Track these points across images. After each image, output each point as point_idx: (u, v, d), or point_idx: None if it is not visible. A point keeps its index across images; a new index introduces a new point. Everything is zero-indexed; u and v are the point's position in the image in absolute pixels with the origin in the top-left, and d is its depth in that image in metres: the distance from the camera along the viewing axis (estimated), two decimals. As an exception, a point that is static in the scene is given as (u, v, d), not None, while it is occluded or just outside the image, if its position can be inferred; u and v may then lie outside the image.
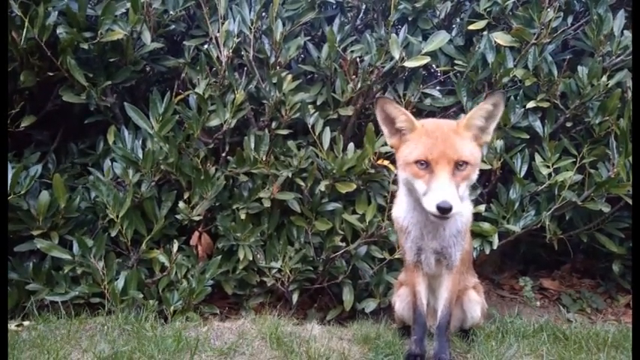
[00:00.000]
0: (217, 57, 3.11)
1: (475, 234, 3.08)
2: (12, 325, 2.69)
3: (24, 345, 2.44)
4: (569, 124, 3.31)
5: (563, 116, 3.25)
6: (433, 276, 2.41)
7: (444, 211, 1.89)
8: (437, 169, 1.97)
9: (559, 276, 3.88)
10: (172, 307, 2.93)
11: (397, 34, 3.15)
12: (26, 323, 2.75)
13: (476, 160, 2.06)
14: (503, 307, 3.48)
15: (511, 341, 2.62)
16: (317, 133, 3.16)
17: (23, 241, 2.94)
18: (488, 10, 3.29)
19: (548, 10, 3.13)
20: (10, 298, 2.88)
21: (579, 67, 3.16)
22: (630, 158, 2.94)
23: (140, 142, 3.09)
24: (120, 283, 2.91)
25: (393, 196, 3.07)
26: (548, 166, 3.15)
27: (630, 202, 3.05)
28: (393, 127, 2.14)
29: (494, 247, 3.11)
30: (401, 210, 2.31)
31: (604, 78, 3.10)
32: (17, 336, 2.54)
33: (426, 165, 2.00)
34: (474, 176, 2.09)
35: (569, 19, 3.31)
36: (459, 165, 1.99)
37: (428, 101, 3.26)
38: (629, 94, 3.18)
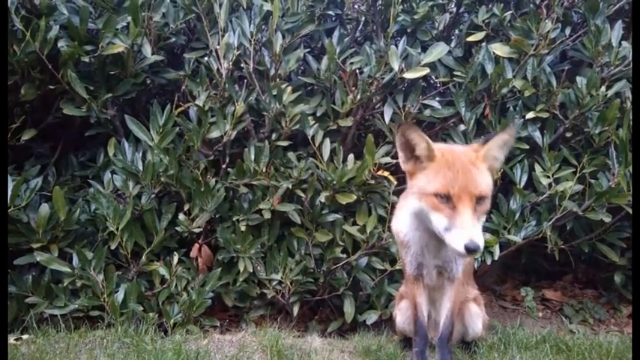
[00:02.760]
0: (217, 69, 3.13)
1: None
2: (11, 339, 2.67)
3: (23, 359, 2.42)
4: (568, 135, 3.32)
5: (562, 126, 3.26)
6: (434, 288, 2.38)
7: (472, 251, 1.82)
8: (460, 205, 1.88)
9: (561, 286, 3.87)
10: (172, 320, 2.92)
11: (396, 45, 3.17)
12: (25, 337, 2.73)
13: (490, 192, 2.00)
14: (505, 317, 3.46)
15: (513, 353, 2.60)
16: (317, 145, 3.16)
17: (23, 254, 2.93)
18: (486, 21, 3.32)
19: (547, 21, 3.15)
20: (9, 311, 2.86)
21: (578, 78, 3.18)
22: (630, 168, 2.94)
23: (140, 154, 3.09)
24: (120, 296, 2.89)
25: (393, 207, 3.08)
26: (548, 176, 3.15)
27: (631, 212, 3.04)
28: (412, 153, 2.05)
29: (496, 258, 3.10)
30: (402, 225, 2.26)
31: (603, 88, 3.11)
32: (16, 350, 2.52)
33: (446, 199, 1.90)
34: (488, 207, 2.04)
35: (568, 30, 3.33)
36: (479, 200, 1.92)
37: (427, 112, 3.27)
38: (628, 104, 3.19)
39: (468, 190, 1.89)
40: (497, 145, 2.07)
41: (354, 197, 3.10)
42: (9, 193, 2.77)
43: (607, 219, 3.11)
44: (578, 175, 3.14)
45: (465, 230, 1.83)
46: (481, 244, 1.82)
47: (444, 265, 2.27)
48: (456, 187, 1.90)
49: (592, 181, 3.12)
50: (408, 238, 2.24)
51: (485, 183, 1.97)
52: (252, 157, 3.12)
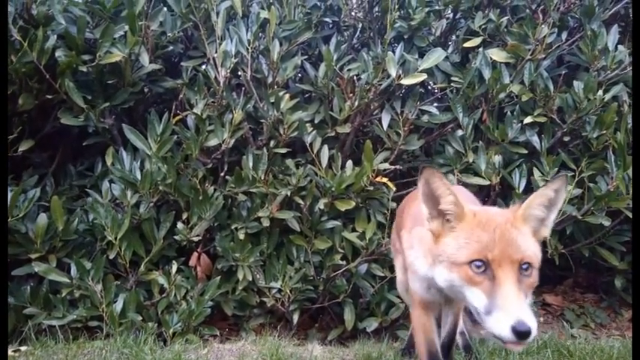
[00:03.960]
0: (215, 77, 3.13)
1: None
2: (9, 351, 2.65)
3: (21, 371, 2.40)
4: (566, 139, 3.32)
5: (560, 131, 3.26)
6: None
7: (523, 336, 1.43)
8: (500, 274, 1.54)
9: (562, 291, 3.85)
10: (172, 330, 2.90)
11: (393, 52, 3.18)
12: (23, 348, 2.71)
13: (538, 262, 1.66)
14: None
15: (515, 358, 2.59)
16: (315, 152, 3.16)
17: (21, 265, 2.91)
18: (483, 27, 3.33)
19: (543, 26, 3.16)
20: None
21: (575, 82, 3.18)
22: (629, 171, 2.95)
23: (138, 163, 3.08)
24: (118, 306, 2.87)
25: (392, 213, 3.08)
26: (546, 181, 3.15)
27: (630, 215, 3.04)
28: (436, 207, 1.73)
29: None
30: (419, 262, 1.92)
31: (600, 92, 3.12)
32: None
33: (484, 268, 1.57)
34: (536, 281, 1.66)
35: (564, 35, 3.34)
36: (523, 268, 1.58)
37: (425, 118, 3.28)
38: (626, 107, 3.20)
39: (508, 253, 1.56)
40: (539, 202, 1.70)
41: (353, 204, 3.09)
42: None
43: (606, 223, 3.10)
44: (576, 179, 3.14)
45: (512, 309, 1.47)
46: (533, 327, 1.44)
47: None
48: (495, 251, 1.56)
49: (591, 185, 3.12)
50: (433, 279, 1.82)
51: (529, 247, 1.63)
52: (251, 164, 3.12)
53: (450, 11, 3.63)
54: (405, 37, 3.39)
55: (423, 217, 1.79)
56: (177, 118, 3.21)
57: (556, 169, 3.15)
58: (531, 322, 1.44)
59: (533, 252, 1.64)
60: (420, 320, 2.06)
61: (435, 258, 1.73)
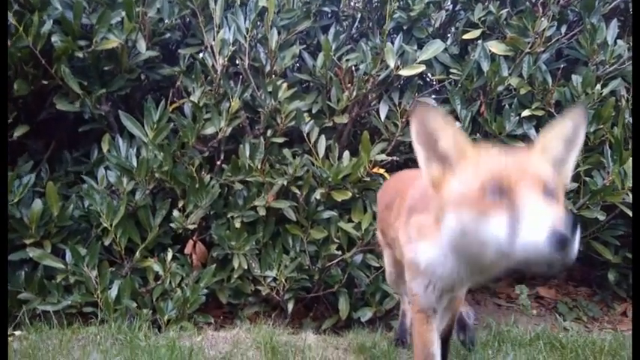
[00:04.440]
0: (212, 65, 3.11)
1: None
2: (3, 336, 2.66)
3: (15, 355, 2.40)
4: (563, 133, 3.32)
5: (557, 124, 3.26)
6: None
7: (563, 243, 1.13)
8: (521, 195, 1.25)
9: (555, 284, 3.88)
10: (166, 317, 2.90)
11: (392, 42, 3.16)
12: (17, 333, 2.71)
13: (562, 198, 1.38)
14: (500, 315, 3.47)
15: (507, 350, 2.61)
16: (312, 142, 3.15)
17: (16, 250, 2.91)
18: (482, 19, 3.32)
19: (542, 19, 3.15)
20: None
21: (573, 76, 3.18)
22: (625, 166, 2.95)
23: (134, 150, 3.07)
24: (113, 292, 2.88)
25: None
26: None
27: (625, 210, 3.05)
28: (434, 148, 1.48)
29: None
30: (423, 254, 1.65)
31: (598, 86, 3.12)
32: (8, 346, 2.50)
33: (500, 193, 1.28)
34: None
35: (563, 29, 3.33)
36: (548, 194, 1.28)
37: (423, 109, 3.26)
38: (623, 102, 3.20)
39: (529, 174, 1.30)
40: (557, 136, 1.47)
41: (350, 194, 3.09)
42: (1, 188, 2.75)
43: (601, 217, 3.12)
44: (572, 173, 3.14)
45: (541, 215, 1.19)
46: (570, 234, 1.15)
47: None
48: (512, 172, 1.30)
49: (587, 179, 3.12)
50: (440, 271, 1.63)
51: (552, 176, 1.35)
52: (247, 153, 3.11)
53: (449, 3, 3.61)
54: (404, 28, 3.38)
55: (421, 205, 1.61)
56: (174, 105, 3.20)
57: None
58: (566, 228, 1.15)
59: (556, 183, 1.34)
60: (420, 330, 1.80)
61: (439, 213, 1.46)
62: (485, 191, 1.30)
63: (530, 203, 1.22)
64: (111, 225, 2.92)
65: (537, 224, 1.17)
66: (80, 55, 2.98)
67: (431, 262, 1.63)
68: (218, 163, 3.21)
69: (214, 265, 3.07)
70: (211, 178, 3.13)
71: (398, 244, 1.91)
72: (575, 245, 1.16)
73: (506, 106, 3.25)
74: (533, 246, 1.16)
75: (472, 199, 1.32)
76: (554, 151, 1.46)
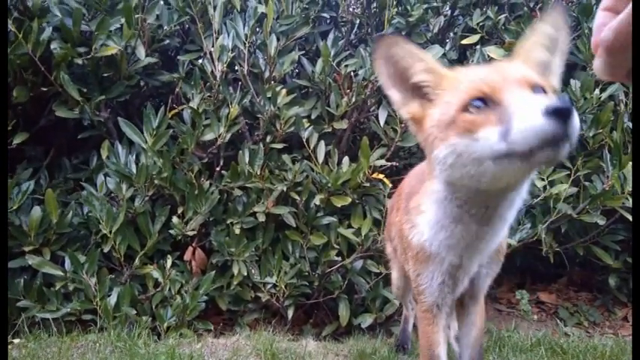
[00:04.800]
0: (211, 71, 3.12)
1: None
2: (2, 344, 2.65)
3: (14, 364, 2.40)
4: (563, 137, 3.32)
5: (556, 129, 3.26)
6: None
7: (563, 112, 1.04)
8: (507, 95, 1.17)
9: (556, 289, 3.87)
10: (166, 324, 2.89)
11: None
12: (16, 341, 2.70)
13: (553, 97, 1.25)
14: (500, 320, 3.46)
15: (509, 356, 2.60)
16: (312, 147, 3.15)
17: (14, 258, 2.90)
18: (481, 24, 3.32)
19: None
20: None
21: (572, 81, 3.19)
22: (624, 170, 2.95)
23: (134, 156, 3.07)
24: (112, 300, 2.87)
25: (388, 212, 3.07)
26: (542, 179, 3.15)
27: (625, 214, 3.05)
28: (407, 83, 1.37)
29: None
30: (427, 229, 1.52)
31: (597, 91, 3.13)
32: (8, 354, 2.49)
33: (484, 103, 1.19)
34: None
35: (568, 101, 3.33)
36: (536, 90, 1.22)
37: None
38: (622, 106, 3.20)
39: (513, 77, 1.22)
40: (538, 41, 1.38)
41: (349, 200, 3.09)
42: None
43: (601, 221, 3.11)
44: (572, 177, 3.14)
45: (534, 102, 1.11)
46: (566, 104, 1.06)
47: (475, 274, 1.63)
48: (495, 79, 1.22)
49: (586, 183, 3.12)
50: (440, 244, 1.51)
51: (536, 75, 1.29)
52: (247, 159, 3.11)
53: (447, 8, 3.62)
54: (403, 33, 3.38)
55: (417, 187, 1.51)
56: (173, 112, 3.20)
57: (552, 167, 3.16)
58: (563, 100, 1.07)
59: (543, 83, 1.27)
60: (425, 330, 1.69)
61: (427, 147, 1.34)
62: (468, 106, 1.21)
63: (517, 98, 1.15)
64: (110, 232, 2.91)
65: (530, 110, 1.09)
66: (79, 61, 2.98)
67: (434, 232, 1.51)
68: (217, 169, 3.20)
69: (214, 272, 3.07)
70: (211, 185, 3.13)
71: (401, 240, 1.76)
72: (576, 118, 1.07)
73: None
74: (532, 129, 1.07)
75: (457, 118, 1.23)
76: (537, 57, 1.38)
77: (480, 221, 1.41)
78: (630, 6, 0.64)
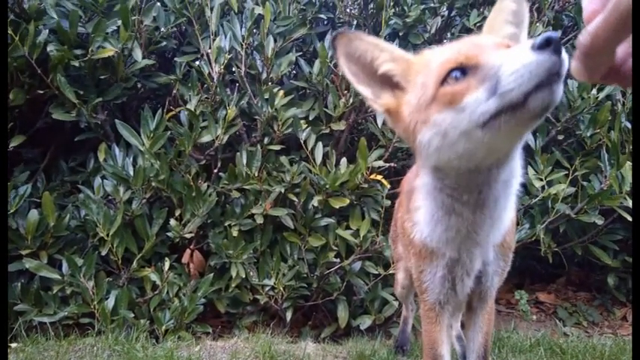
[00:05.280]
0: (209, 73, 3.11)
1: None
2: (-1, 348, 2.63)
3: (11, 368, 2.39)
4: (560, 137, 3.33)
5: (554, 129, 3.27)
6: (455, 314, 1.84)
7: (548, 42, 0.99)
8: (486, 56, 1.11)
9: (554, 289, 3.87)
10: (164, 327, 2.88)
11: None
12: (14, 345, 2.69)
13: None
14: (499, 321, 3.45)
15: (508, 356, 2.59)
16: (309, 149, 3.15)
17: (12, 261, 2.88)
18: (478, 24, 3.32)
19: (537, 24, 3.16)
20: (-3, 319, 2.82)
21: (569, 81, 3.19)
22: (622, 170, 2.96)
23: (131, 159, 3.06)
24: (110, 303, 2.85)
25: (386, 211, 3.07)
26: (541, 179, 3.16)
27: (623, 214, 3.05)
28: (375, 77, 1.33)
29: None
30: (425, 224, 1.47)
31: (594, 91, 3.13)
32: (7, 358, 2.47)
33: (462, 72, 1.14)
34: None
35: (558, 34, 3.34)
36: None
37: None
38: (619, 106, 3.21)
39: (490, 43, 1.19)
40: (503, 18, 1.38)
41: (347, 201, 3.08)
42: (-3, 199, 2.73)
43: (599, 221, 3.11)
44: (570, 177, 3.15)
45: (516, 51, 1.06)
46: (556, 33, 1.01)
47: (481, 272, 1.55)
48: (470, 48, 1.17)
49: (584, 183, 3.13)
50: (438, 238, 1.45)
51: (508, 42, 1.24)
52: (244, 161, 3.10)
53: (445, 9, 3.62)
54: (400, 34, 3.38)
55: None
56: (171, 114, 3.19)
57: (550, 167, 3.16)
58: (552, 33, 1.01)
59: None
60: (428, 329, 1.65)
61: (410, 136, 1.27)
62: (446, 79, 1.15)
63: (498, 55, 1.08)
64: (107, 235, 2.90)
65: (517, 53, 1.04)
66: (76, 64, 2.97)
67: (431, 227, 1.45)
68: (215, 171, 3.20)
69: (212, 274, 3.05)
70: (208, 187, 3.12)
71: (404, 238, 1.72)
72: (564, 52, 1.00)
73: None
74: (524, 67, 1.00)
75: (436, 94, 1.16)
76: (504, 32, 1.35)
77: (474, 209, 1.34)
78: (608, 7, 0.65)
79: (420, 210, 1.48)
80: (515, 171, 1.33)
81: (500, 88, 1.04)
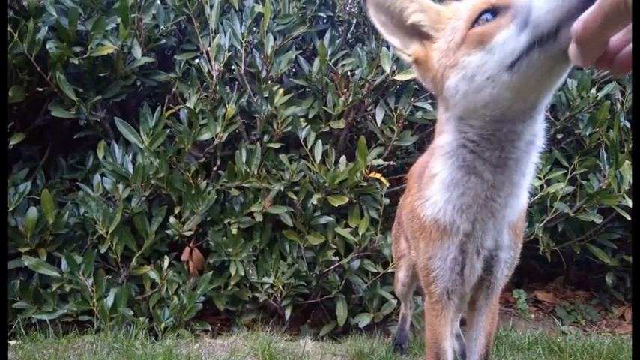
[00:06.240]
0: (208, 71, 3.11)
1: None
2: (-2, 345, 2.63)
3: (10, 365, 2.39)
4: (559, 136, 3.33)
5: (553, 128, 3.27)
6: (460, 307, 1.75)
7: None
8: None
9: (553, 288, 3.88)
10: (163, 324, 2.88)
11: (388, 47, 3.17)
12: (13, 342, 2.69)
13: None
14: (498, 320, 3.46)
15: (506, 354, 2.60)
16: (309, 147, 3.15)
17: (11, 259, 2.89)
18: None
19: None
20: (-4, 316, 2.82)
21: (568, 80, 3.19)
22: (621, 169, 2.96)
23: (130, 156, 3.06)
24: (109, 300, 2.86)
25: (385, 209, 3.08)
26: (539, 178, 3.16)
27: (622, 213, 3.05)
28: (404, 27, 1.33)
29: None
30: (440, 194, 1.42)
31: (593, 90, 3.13)
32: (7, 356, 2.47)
33: (493, 15, 1.14)
34: None
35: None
36: None
37: (419, 114, 3.27)
38: (618, 105, 3.21)
39: None
40: None
41: (347, 200, 3.08)
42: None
43: (598, 220, 3.12)
44: (569, 176, 3.15)
45: None
46: None
47: (493, 254, 1.50)
48: None
49: (583, 182, 3.13)
50: (451, 213, 1.41)
51: None
52: (244, 159, 3.10)
53: (444, 7, 3.62)
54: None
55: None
56: (170, 111, 3.19)
57: (549, 166, 3.16)
58: None
59: None
60: (431, 322, 1.61)
61: (438, 85, 1.27)
62: (476, 21, 1.15)
63: None
64: (107, 232, 2.90)
65: None
66: (75, 61, 2.97)
67: (447, 195, 1.41)
68: (214, 169, 3.20)
69: (211, 272, 3.06)
70: (207, 185, 3.12)
71: (412, 222, 1.64)
72: None
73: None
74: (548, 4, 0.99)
75: (466, 36, 1.16)
76: None
77: (495, 168, 1.31)
78: (597, 1, 0.70)
79: (436, 177, 1.42)
80: (539, 134, 1.30)
81: (532, 18, 1.02)
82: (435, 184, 1.43)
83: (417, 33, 1.32)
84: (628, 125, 3.16)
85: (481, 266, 1.50)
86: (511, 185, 1.35)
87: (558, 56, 1.03)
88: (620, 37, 0.73)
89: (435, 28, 1.29)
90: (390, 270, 3.08)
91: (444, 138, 1.36)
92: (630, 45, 0.72)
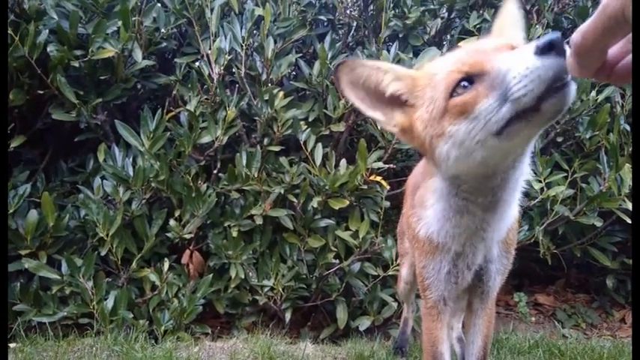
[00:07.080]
0: (209, 74, 3.11)
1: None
2: (-2, 348, 2.63)
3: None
4: (559, 139, 3.33)
5: (553, 131, 3.27)
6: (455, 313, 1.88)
7: (558, 44, 1.00)
8: (492, 63, 1.12)
9: (553, 291, 3.87)
10: (163, 327, 2.88)
11: (388, 50, 3.17)
12: (13, 345, 2.68)
13: None
14: (499, 323, 3.45)
15: (507, 358, 2.60)
16: (309, 150, 3.15)
17: (11, 261, 2.88)
18: (477, 26, 3.33)
19: (537, 26, 3.17)
20: (-4, 319, 2.82)
21: (568, 83, 3.19)
22: (621, 172, 2.96)
23: (131, 159, 3.06)
24: (109, 303, 2.85)
25: (385, 212, 3.07)
26: (540, 181, 3.16)
27: (622, 216, 3.05)
28: (384, 99, 1.34)
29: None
30: (434, 222, 1.49)
31: (593, 93, 3.13)
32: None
33: (469, 81, 1.16)
34: None
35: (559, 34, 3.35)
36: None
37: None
38: (618, 108, 3.21)
39: (496, 45, 1.20)
40: (508, 21, 1.43)
41: (347, 202, 3.08)
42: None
43: (598, 223, 3.12)
44: (569, 179, 3.15)
45: (521, 54, 1.06)
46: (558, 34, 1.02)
47: (482, 268, 1.56)
48: (471, 55, 1.20)
49: (583, 185, 3.13)
50: (445, 234, 1.47)
51: (514, 41, 1.27)
52: (244, 162, 3.10)
53: (445, 10, 3.63)
54: (400, 35, 3.39)
55: (422, 179, 1.48)
56: (171, 114, 3.19)
57: (549, 169, 3.16)
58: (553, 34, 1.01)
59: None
60: (428, 326, 1.65)
61: (428, 150, 1.29)
62: (454, 91, 1.17)
63: (503, 59, 1.09)
64: (107, 235, 2.90)
65: (521, 57, 1.04)
66: (76, 64, 2.97)
67: (440, 224, 1.47)
68: (215, 172, 3.20)
69: (211, 275, 3.06)
70: (208, 187, 3.12)
71: (408, 232, 1.73)
72: (567, 49, 0.97)
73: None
74: (531, 72, 1.01)
75: (447, 107, 1.18)
76: (508, 34, 1.38)
77: (487, 209, 1.37)
78: (597, 10, 0.69)
79: (430, 209, 1.49)
80: (525, 169, 1.35)
81: (511, 94, 1.06)
82: (428, 211, 1.50)
83: (397, 102, 1.33)
84: (628, 128, 3.15)
85: (471, 277, 1.56)
86: (501, 219, 1.43)
87: (543, 122, 1.11)
88: (619, 48, 0.73)
89: (414, 94, 1.30)
90: (390, 273, 3.08)
91: (436, 183, 1.42)
92: (629, 56, 0.72)
